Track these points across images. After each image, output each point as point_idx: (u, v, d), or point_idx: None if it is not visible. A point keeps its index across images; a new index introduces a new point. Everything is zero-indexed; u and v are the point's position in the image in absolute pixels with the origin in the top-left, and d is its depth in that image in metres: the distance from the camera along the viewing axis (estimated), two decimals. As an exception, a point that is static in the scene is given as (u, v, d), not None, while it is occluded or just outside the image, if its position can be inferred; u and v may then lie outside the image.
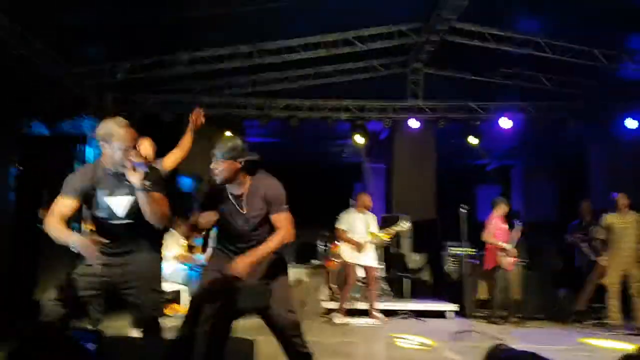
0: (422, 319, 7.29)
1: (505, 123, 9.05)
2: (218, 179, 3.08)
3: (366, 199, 7.28)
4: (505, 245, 7.07)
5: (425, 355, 5.17)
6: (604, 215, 6.82)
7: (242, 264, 2.95)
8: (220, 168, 3.05)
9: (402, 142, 9.96)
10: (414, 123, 9.28)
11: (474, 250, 7.43)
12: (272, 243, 3.07)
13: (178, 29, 7.20)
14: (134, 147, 3.01)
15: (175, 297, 7.16)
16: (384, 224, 7.36)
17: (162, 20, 6.71)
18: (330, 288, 7.99)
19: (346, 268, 7.25)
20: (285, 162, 10.01)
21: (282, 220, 3.15)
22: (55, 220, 2.91)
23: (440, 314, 7.61)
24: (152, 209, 2.94)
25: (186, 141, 4.16)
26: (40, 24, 6.23)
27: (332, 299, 7.64)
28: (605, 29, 7.28)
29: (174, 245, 7.14)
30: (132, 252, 3.07)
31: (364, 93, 9.07)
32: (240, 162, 3.08)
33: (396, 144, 10.05)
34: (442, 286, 8.52)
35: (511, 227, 7.26)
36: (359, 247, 7.06)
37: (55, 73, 7.29)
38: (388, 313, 7.29)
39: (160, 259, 3.37)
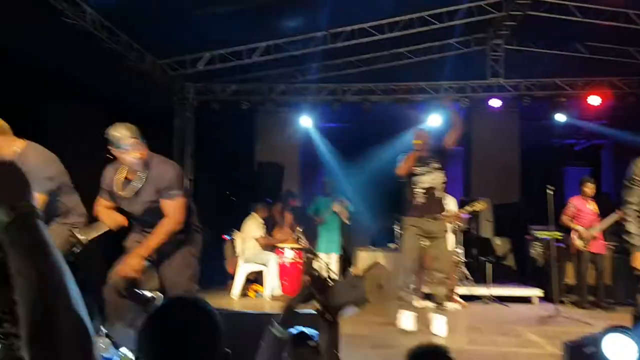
0: (506, 303, 7.07)
1: (594, 100, 8.50)
2: None
3: None
4: (577, 227, 6.72)
5: (509, 340, 5.03)
6: None
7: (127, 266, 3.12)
8: None
9: (481, 122, 9.64)
10: (495, 102, 8.93)
11: (560, 234, 7.06)
12: (156, 236, 3.20)
13: (252, 18, 7.35)
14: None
15: (256, 277, 7.45)
16: (460, 207, 7.18)
17: (236, 10, 6.87)
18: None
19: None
20: (361, 147, 10.06)
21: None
22: None
23: (524, 300, 7.35)
24: None
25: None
26: (124, 15, 6.58)
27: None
28: None
29: (255, 228, 7.39)
30: None
31: (441, 73, 8.83)
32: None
33: (475, 125, 9.73)
34: (526, 271, 8.22)
35: (605, 209, 6.84)
36: None
37: (142, 65, 7.71)
38: (469, 298, 7.14)
39: None
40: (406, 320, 5.14)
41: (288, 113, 9.41)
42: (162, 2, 6.28)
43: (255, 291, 7.39)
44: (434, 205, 5.17)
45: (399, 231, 8.62)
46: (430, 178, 5.16)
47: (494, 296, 7.20)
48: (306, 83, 9.12)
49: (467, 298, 7.10)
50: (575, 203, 6.90)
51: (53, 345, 0.78)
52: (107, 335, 2.88)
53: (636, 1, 7.07)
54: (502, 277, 8.13)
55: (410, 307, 5.17)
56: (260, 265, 7.23)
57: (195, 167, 9.10)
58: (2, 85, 4.76)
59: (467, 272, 8.03)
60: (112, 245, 3.57)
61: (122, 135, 3.14)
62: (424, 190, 5.16)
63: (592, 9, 7.34)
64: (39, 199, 2.62)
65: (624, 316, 6.14)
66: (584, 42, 8.34)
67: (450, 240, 7.13)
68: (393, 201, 9.21)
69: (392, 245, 8.53)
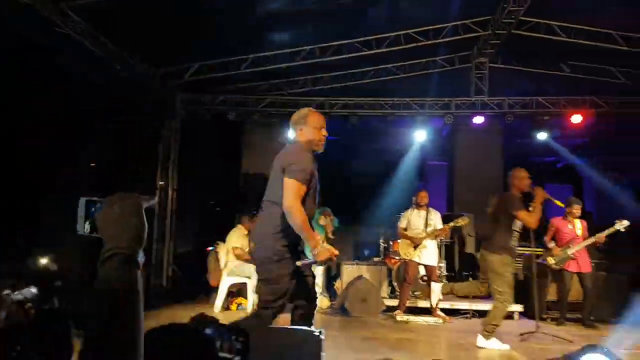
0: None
1: (576, 118, 8.68)
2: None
3: (420, 195, 7.24)
4: (552, 246, 6.85)
5: (488, 353, 5.08)
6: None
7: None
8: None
9: (465, 139, 9.77)
10: (478, 119, 9.07)
11: (541, 250, 7.17)
12: None
13: (242, 30, 7.42)
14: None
15: (240, 290, 7.41)
16: (444, 222, 7.26)
17: (227, 22, 6.93)
18: (392, 285, 8.00)
19: (404, 265, 7.25)
20: (348, 162, 10.13)
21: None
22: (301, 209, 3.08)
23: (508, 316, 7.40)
24: None
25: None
26: (111, 25, 6.60)
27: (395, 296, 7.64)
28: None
29: (238, 240, 7.37)
30: None
31: (426, 89, 8.96)
32: None
33: (459, 141, 9.86)
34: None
35: (588, 228, 6.98)
36: (413, 242, 7.06)
37: (131, 73, 7.71)
38: (451, 312, 7.20)
39: None
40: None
41: (275, 125, 9.45)
42: (151, 10, 6.30)
43: (238, 304, 7.35)
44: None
45: (383, 245, 8.70)
46: None
47: (475, 311, 7.25)
48: (294, 96, 9.19)
49: (449, 312, 7.15)
50: (555, 223, 7.02)
51: None
52: None
53: (618, 21, 7.25)
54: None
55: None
56: (243, 277, 7.19)
57: (181, 177, 9.07)
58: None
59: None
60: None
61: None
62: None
63: (574, 28, 7.52)
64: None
65: (602, 334, 6.24)
66: (566, 61, 8.52)
67: (435, 255, 7.21)
68: (378, 215, 9.31)
69: (376, 259, 8.58)
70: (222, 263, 7.33)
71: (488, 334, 5.23)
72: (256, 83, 9.12)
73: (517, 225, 5.34)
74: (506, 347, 5.22)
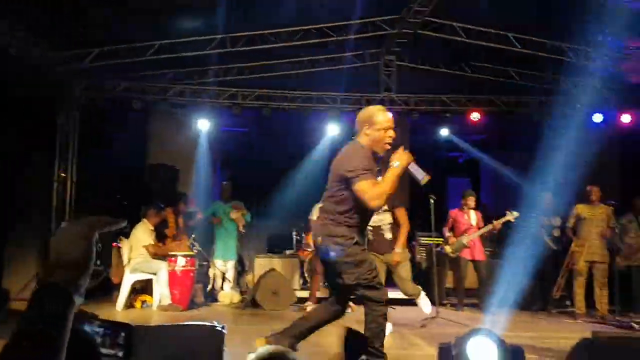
0: (392, 306, 7.39)
1: (475, 116, 9.21)
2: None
3: None
4: (449, 235, 7.31)
5: (392, 342, 5.27)
6: (575, 206, 7.04)
7: None
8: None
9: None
10: (387, 115, 9.35)
11: (442, 240, 7.57)
12: None
13: (150, 14, 7.10)
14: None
15: (144, 287, 7.12)
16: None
17: (134, 6, 6.60)
18: (304, 277, 8.08)
19: (315, 257, 7.34)
20: (260, 154, 10.05)
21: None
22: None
23: (410, 302, 7.73)
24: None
25: None
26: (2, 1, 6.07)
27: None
28: (576, 25, 7.44)
29: (144, 236, 7.08)
30: None
31: (338, 84, 9.09)
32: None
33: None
34: (413, 275, 8.65)
35: (484, 218, 7.45)
36: None
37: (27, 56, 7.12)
38: (358, 301, 7.37)
39: None
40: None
41: (184, 115, 9.15)
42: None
43: (143, 301, 7.07)
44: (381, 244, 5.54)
45: (296, 237, 8.75)
46: (378, 218, 5.43)
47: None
48: (204, 85, 8.94)
49: (355, 300, 7.32)
50: (452, 214, 7.45)
51: None
52: None
53: (516, 24, 7.77)
54: (391, 280, 8.50)
55: None
56: (148, 274, 6.92)
57: (81, 168, 8.52)
58: None
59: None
60: None
61: None
62: (371, 228, 5.38)
63: (475, 30, 7.96)
64: None
65: (497, 318, 6.71)
66: (468, 62, 9.00)
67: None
68: (291, 208, 9.32)
69: (288, 252, 8.62)
70: (124, 259, 7.00)
71: None
72: (164, 71, 8.77)
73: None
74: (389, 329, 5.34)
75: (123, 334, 1.22)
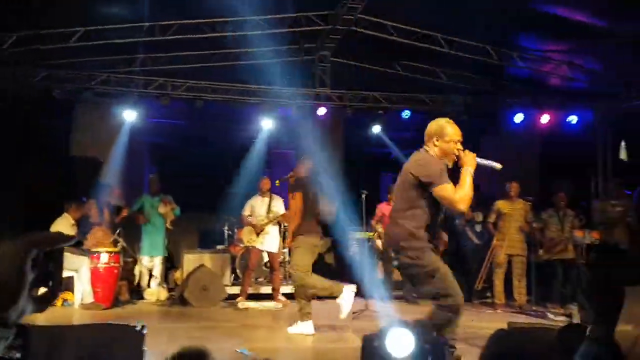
0: (325, 300, 7.46)
1: (406, 114, 9.45)
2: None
3: (263, 182, 7.35)
4: (379, 229, 7.52)
5: (323, 335, 5.31)
6: (495, 202, 7.37)
7: None
8: None
9: (310, 129, 10.03)
10: (321, 111, 9.41)
11: (372, 234, 7.72)
12: None
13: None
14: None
15: (67, 284, 6.79)
16: (286, 208, 7.42)
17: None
18: (236, 273, 7.98)
19: (247, 252, 7.29)
20: (192, 147, 9.78)
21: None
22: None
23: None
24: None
25: None
26: None
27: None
28: (498, 28, 7.77)
29: (65, 231, 6.72)
30: None
31: (273, 78, 9.00)
32: None
33: (303, 131, 10.11)
34: (345, 268, 8.78)
35: None
36: (255, 229, 7.14)
37: None
38: (291, 296, 7.38)
39: None
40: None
41: (110, 105, 8.74)
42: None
43: (64, 300, 6.73)
44: None
45: (227, 232, 8.61)
46: None
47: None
48: (131, 75, 8.59)
49: (289, 296, 7.34)
50: (381, 208, 7.62)
51: None
52: None
53: (443, 25, 7.99)
54: (324, 275, 8.56)
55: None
56: (70, 271, 6.59)
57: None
58: None
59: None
60: None
61: None
62: None
63: (406, 29, 8.13)
64: None
65: (424, 309, 6.92)
66: (399, 60, 9.19)
67: (277, 241, 7.33)
68: (224, 203, 9.17)
69: (219, 247, 8.47)
70: (43, 255, 6.61)
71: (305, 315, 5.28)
72: (89, 58, 8.34)
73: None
74: (311, 330, 5.27)
75: (20, 336, 1.13)
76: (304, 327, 5.21)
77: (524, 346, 2.87)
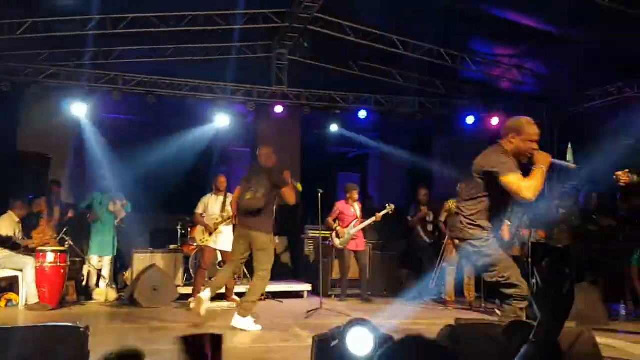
0: (280, 299, 7.46)
1: (362, 114, 9.53)
2: None
3: (220, 180, 7.27)
4: (337, 227, 7.57)
5: (276, 334, 5.29)
6: (446, 201, 7.53)
7: None
8: None
9: (267, 126, 9.99)
10: (278, 109, 9.38)
11: (329, 232, 7.75)
12: None
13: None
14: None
15: (11, 285, 6.54)
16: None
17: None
18: (189, 272, 7.85)
19: (201, 251, 7.19)
20: (144, 143, 9.54)
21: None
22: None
23: (297, 295, 7.87)
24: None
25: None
26: None
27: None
28: (451, 32, 7.94)
29: (9, 228, 6.47)
30: None
31: (228, 75, 8.90)
32: None
33: (261, 129, 10.06)
34: (301, 268, 8.81)
35: (370, 210, 7.77)
36: (208, 228, 7.06)
37: None
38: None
39: None
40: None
41: (59, 99, 8.43)
42: None
43: (8, 300, 6.46)
44: None
45: (180, 232, 8.45)
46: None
47: (268, 292, 7.52)
48: (81, 69, 8.31)
49: (242, 295, 7.27)
50: (339, 206, 7.67)
51: None
52: None
53: (399, 27, 8.10)
54: (280, 274, 8.54)
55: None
56: (14, 271, 6.33)
57: None
58: None
59: (245, 270, 8.26)
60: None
61: None
62: None
63: (362, 30, 8.19)
64: None
65: (378, 307, 7.02)
66: (356, 61, 9.25)
67: (231, 240, 7.24)
68: (177, 201, 9.00)
69: (172, 247, 8.30)
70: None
71: (245, 311, 5.28)
72: (37, 51, 8.03)
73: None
74: (258, 327, 5.26)
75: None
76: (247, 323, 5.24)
77: (470, 341, 2.95)
